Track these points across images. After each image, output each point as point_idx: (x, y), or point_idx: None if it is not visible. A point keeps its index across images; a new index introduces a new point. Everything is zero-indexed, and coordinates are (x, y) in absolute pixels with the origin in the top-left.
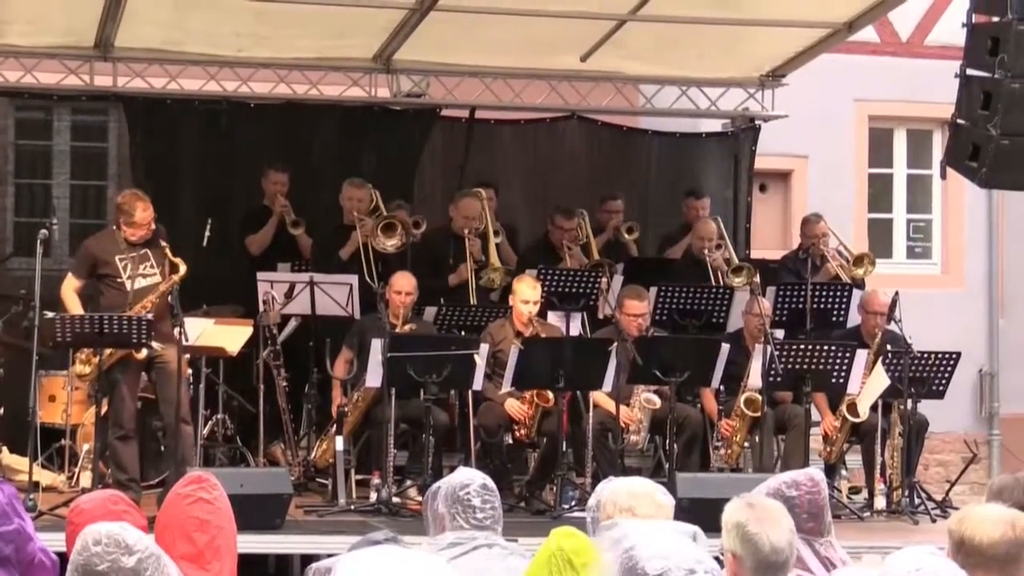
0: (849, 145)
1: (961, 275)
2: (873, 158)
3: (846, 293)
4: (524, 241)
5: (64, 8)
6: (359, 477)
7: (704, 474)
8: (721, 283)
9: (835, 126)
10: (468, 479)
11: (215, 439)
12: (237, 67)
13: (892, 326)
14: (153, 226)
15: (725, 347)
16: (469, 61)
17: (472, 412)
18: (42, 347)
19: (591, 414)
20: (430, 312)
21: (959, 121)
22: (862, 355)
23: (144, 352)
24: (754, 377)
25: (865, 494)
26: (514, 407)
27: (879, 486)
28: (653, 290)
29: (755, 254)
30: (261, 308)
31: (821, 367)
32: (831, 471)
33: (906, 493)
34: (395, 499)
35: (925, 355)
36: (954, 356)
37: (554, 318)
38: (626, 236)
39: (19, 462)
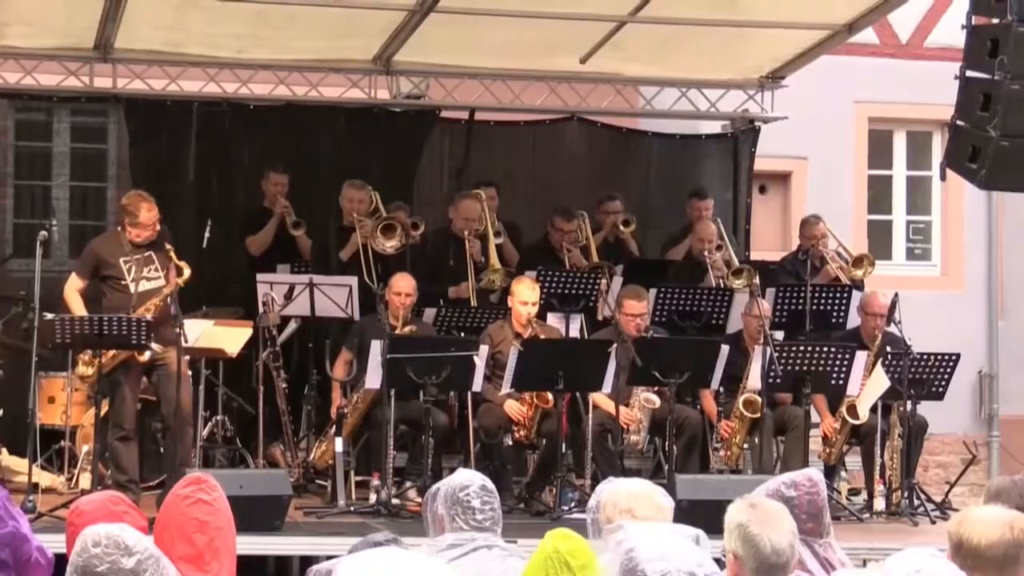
0: (849, 147)
1: (961, 277)
2: (873, 160)
3: (846, 295)
4: (523, 243)
5: (64, 10)
6: (359, 478)
7: (703, 475)
8: (721, 284)
9: (835, 128)
10: (467, 480)
11: (215, 440)
12: (237, 69)
13: (892, 328)
14: (158, 227)
15: (725, 348)
16: (469, 63)
17: (471, 413)
18: (41, 348)
19: (590, 415)
20: (429, 313)
21: (959, 123)
22: (862, 357)
23: (147, 354)
24: (753, 378)
25: (865, 496)
26: (513, 408)
27: (879, 488)
28: (653, 291)
29: (755, 256)
30: (261, 309)
31: (821, 369)
32: (831, 472)
33: (905, 495)
34: (395, 500)
35: (925, 357)
36: (953, 358)
37: (553, 319)
38: (623, 229)
39: (18, 463)
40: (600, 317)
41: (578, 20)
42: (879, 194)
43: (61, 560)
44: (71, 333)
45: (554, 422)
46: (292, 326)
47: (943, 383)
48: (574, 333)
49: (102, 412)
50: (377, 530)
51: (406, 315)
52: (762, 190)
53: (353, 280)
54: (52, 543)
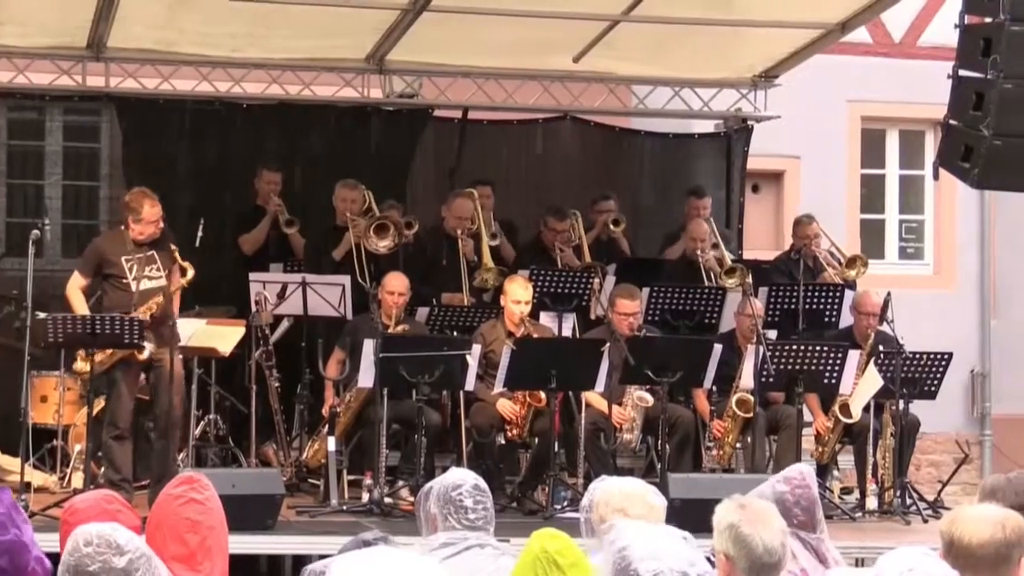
0: (842, 146)
1: (953, 276)
2: (865, 159)
3: (838, 294)
4: (517, 242)
5: (57, 8)
6: (351, 478)
7: (696, 475)
8: (714, 283)
9: (828, 127)
10: (460, 480)
11: (207, 439)
12: (230, 67)
13: (884, 327)
14: (161, 225)
15: (717, 347)
16: (462, 62)
17: (464, 412)
18: (34, 347)
19: (583, 414)
20: (422, 312)
21: (951, 122)
22: (854, 356)
23: (146, 352)
24: (746, 378)
25: (857, 494)
26: (506, 407)
27: (871, 486)
28: (646, 290)
29: (747, 255)
30: (253, 308)
31: (813, 368)
32: (823, 471)
33: (898, 493)
34: (387, 499)
35: (917, 356)
36: (946, 357)
37: (546, 319)
38: (613, 229)
39: (11, 463)
40: (593, 316)
41: (571, 19)
42: (872, 193)
43: (54, 559)
44: (63, 332)
45: (547, 421)
46: (285, 325)
47: (935, 382)
48: (567, 332)
49: (94, 411)
50: (369, 529)
51: (399, 314)
52: (755, 189)
53: (346, 279)
54: (44, 542)
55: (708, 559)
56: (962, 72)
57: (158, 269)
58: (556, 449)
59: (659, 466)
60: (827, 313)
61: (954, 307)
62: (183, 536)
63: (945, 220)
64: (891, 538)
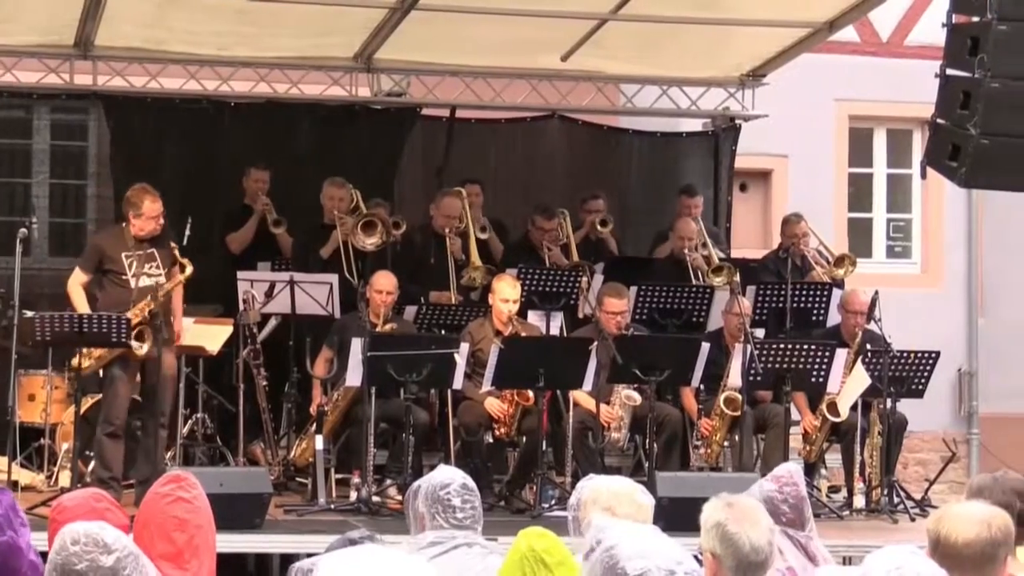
0: (829, 145)
1: (941, 274)
2: (853, 158)
3: (826, 292)
4: (505, 240)
5: (44, 6)
6: (339, 476)
7: (684, 473)
8: (702, 282)
9: (815, 126)
10: (448, 479)
11: (195, 438)
12: (218, 66)
13: (872, 325)
14: (162, 222)
15: (705, 346)
16: (450, 60)
17: (452, 411)
18: (21, 346)
19: (571, 413)
20: (410, 311)
21: (939, 121)
22: (842, 354)
23: (144, 349)
24: (734, 376)
25: (844, 493)
26: (494, 406)
27: (858, 485)
28: (633, 289)
29: (735, 253)
30: (241, 307)
31: (801, 366)
32: (811, 470)
33: (885, 492)
34: (375, 498)
35: (904, 354)
36: (933, 355)
37: (534, 317)
38: (600, 229)
39: None
40: (581, 315)
41: (559, 18)
42: (859, 192)
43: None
44: (51, 331)
45: (535, 419)
46: (273, 324)
47: (923, 381)
48: (555, 331)
49: (82, 410)
50: (356, 528)
51: (387, 313)
52: (743, 188)
53: (334, 278)
54: (32, 541)
55: (695, 558)
56: (949, 71)
57: (158, 267)
58: (544, 448)
59: (647, 465)
60: (815, 312)
61: (941, 306)
62: (171, 534)
63: (933, 219)
64: (878, 537)
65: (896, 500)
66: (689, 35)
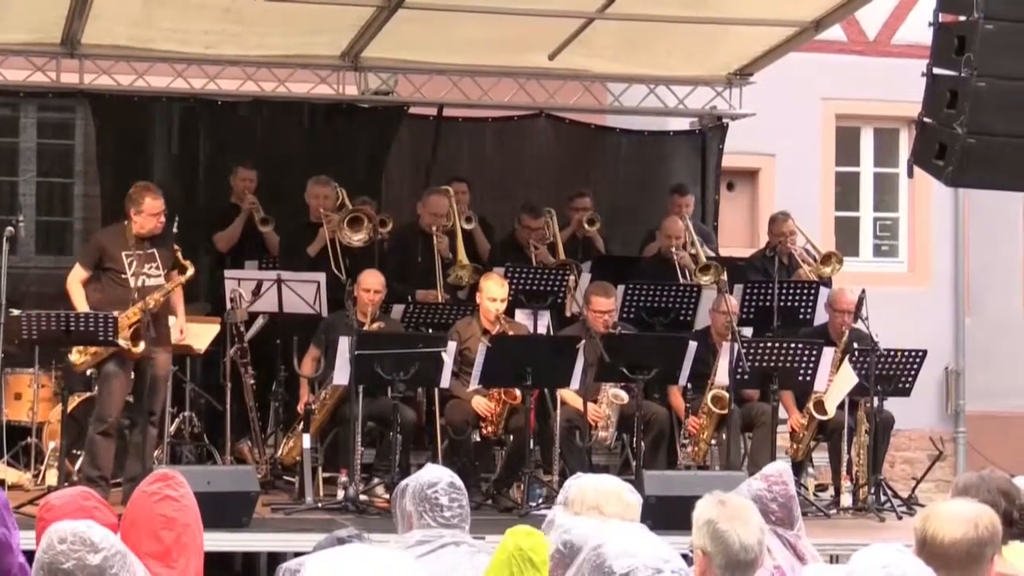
0: (816, 143)
1: (928, 273)
2: (840, 156)
3: (813, 291)
4: (491, 240)
5: (31, 5)
6: (326, 475)
7: (671, 472)
8: (689, 281)
9: (802, 124)
10: (436, 477)
11: (182, 437)
12: (205, 64)
13: (859, 324)
14: (163, 220)
15: (692, 345)
16: (437, 59)
17: (439, 410)
18: (8, 345)
19: (558, 412)
20: (397, 310)
21: (926, 120)
22: (829, 353)
23: (141, 347)
24: (721, 375)
25: (831, 491)
26: (481, 404)
27: (845, 483)
28: (621, 288)
29: (723, 252)
30: (228, 306)
31: (788, 365)
32: (798, 468)
33: (872, 490)
34: (362, 497)
35: (891, 353)
36: (920, 354)
37: (521, 316)
38: (588, 228)
39: None
40: (568, 313)
41: (546, 17)
42: (846, 191)
43: (29, 557)
44: (38, 329)
45: (522, 418)
46: (260, 322)
47: (910, 379)
48: (542, 330)
49: (69, 408)
50: (344, 527)
51: (374, 312)
52: (730, 187)
53: (321, 276)
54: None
55: (685, 556)
56: (936, 70)
57: (157, 268)
58: (531, 446)
59: (634, 463)
60: (802, 310)
61: (928, 304)
62: (158, 533)
63: (919, 218)
64: (865, 535)
65: (883, 498)
66: (676, 34)
